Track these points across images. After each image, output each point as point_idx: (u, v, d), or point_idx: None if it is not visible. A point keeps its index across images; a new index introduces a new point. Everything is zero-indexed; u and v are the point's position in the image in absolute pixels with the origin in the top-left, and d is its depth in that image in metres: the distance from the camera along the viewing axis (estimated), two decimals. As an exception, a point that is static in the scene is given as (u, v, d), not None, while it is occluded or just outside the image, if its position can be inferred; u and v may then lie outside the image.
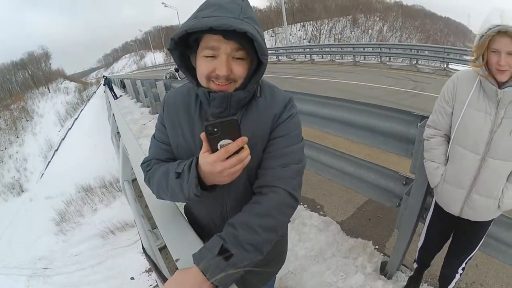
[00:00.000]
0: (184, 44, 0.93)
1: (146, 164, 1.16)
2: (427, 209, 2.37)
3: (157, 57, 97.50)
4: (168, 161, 1.11)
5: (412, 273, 2.44)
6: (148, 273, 4.43)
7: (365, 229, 3.19)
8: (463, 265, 1.95)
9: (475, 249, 1.85)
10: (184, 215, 1.36)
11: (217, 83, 0.92)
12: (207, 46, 0.89)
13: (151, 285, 3.87)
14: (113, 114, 6.72)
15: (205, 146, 0.84)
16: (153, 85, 10.37)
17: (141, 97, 13.16)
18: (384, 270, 2.56)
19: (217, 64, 0.89)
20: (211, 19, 0.83)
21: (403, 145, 2.39)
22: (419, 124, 2.09)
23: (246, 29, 0.82)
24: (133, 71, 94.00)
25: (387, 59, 17.14)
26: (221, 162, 0.82)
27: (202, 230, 1.23)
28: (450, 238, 2.01)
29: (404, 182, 2.41)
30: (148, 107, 11.67)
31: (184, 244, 1.14)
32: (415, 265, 2.33)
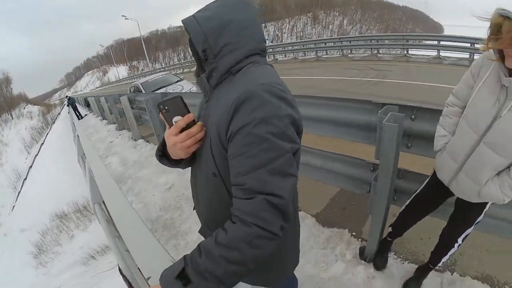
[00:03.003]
0: None
1: None
2: (397, 191, 2.46)
3: (120, 71, 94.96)
4: None
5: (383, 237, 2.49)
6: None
7: (340, 218, 3.24)
8: (461, 237, 1.90)
9: (470, 226, 1.83)
10: None
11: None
12: None
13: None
14: (77, 135, 6.53)
15: (166, 123, 0.97)
16: (117, 100, 10.08)
17: (106, 114, 12.75)
18: (363, 255, 2.61)
19: None
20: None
21: (366, 133, 2.47)
22: (379, 112, 2.14)
23: (183, 21, 0.94)
24: (97, 88, 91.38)
25: (349, 51, 17.56)
26: (173, 136, 0.95)
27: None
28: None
29: (371, 168, 2.49)
30: (114, 123, 11.33)
31: (155, 262, 1.16)
32: (389, 229, 2.40)
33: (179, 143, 0.95)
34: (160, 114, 0.96)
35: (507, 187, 1.49)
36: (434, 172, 1.92)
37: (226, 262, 0.80)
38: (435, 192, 1.97)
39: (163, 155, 1.11)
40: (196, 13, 0.96)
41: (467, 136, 1.55)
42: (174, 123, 0.95)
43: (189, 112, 0.95)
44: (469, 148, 1.56)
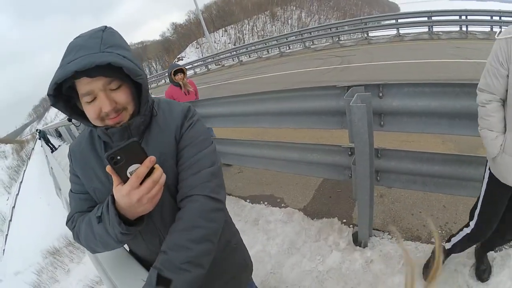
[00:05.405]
0: (63, 93, 0.90)
1: (71, 222, 1.08)
2: (378, 171, 2.44)
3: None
4: (91, 210, 1.02)
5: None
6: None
7: (328, 207, 3.22)
8: None
9: None
10: None
11: (110, 118, 0.91)
12: (83, 93, 0.88)
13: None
14: (51, 168, 6.37)
15: (115, 179, 0.81)
16: (87, 126, 9.88)
17: (79, 142, 12.48)
18: (357, 241, 2.60)
19: (100, 103, 0.88)
20: (74, 63, 0.80)
21: (338, 118, 2.44)
22: (345, 95, 2.12)
23: (107, 60, 0.81)
24: (67, 116, 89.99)
25: (311, 43, 17.76)
26: (136, 189, 0.79)
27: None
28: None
29: (349, 153, 2.46)
30: (90, 150, 11.07)
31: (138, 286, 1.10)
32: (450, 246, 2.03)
33: (145, 195, 0.80)
34: (109, 168, 0.78)
35: None
36: (491, 180, 1.68)
37: (194, 243, 0.88)
38: (500, 200, 1.72)
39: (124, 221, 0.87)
40: (113, 49, 0.86)
41: None
42: (129, 174, 0.78)
43: (147, 155, 0.81)
44: None
